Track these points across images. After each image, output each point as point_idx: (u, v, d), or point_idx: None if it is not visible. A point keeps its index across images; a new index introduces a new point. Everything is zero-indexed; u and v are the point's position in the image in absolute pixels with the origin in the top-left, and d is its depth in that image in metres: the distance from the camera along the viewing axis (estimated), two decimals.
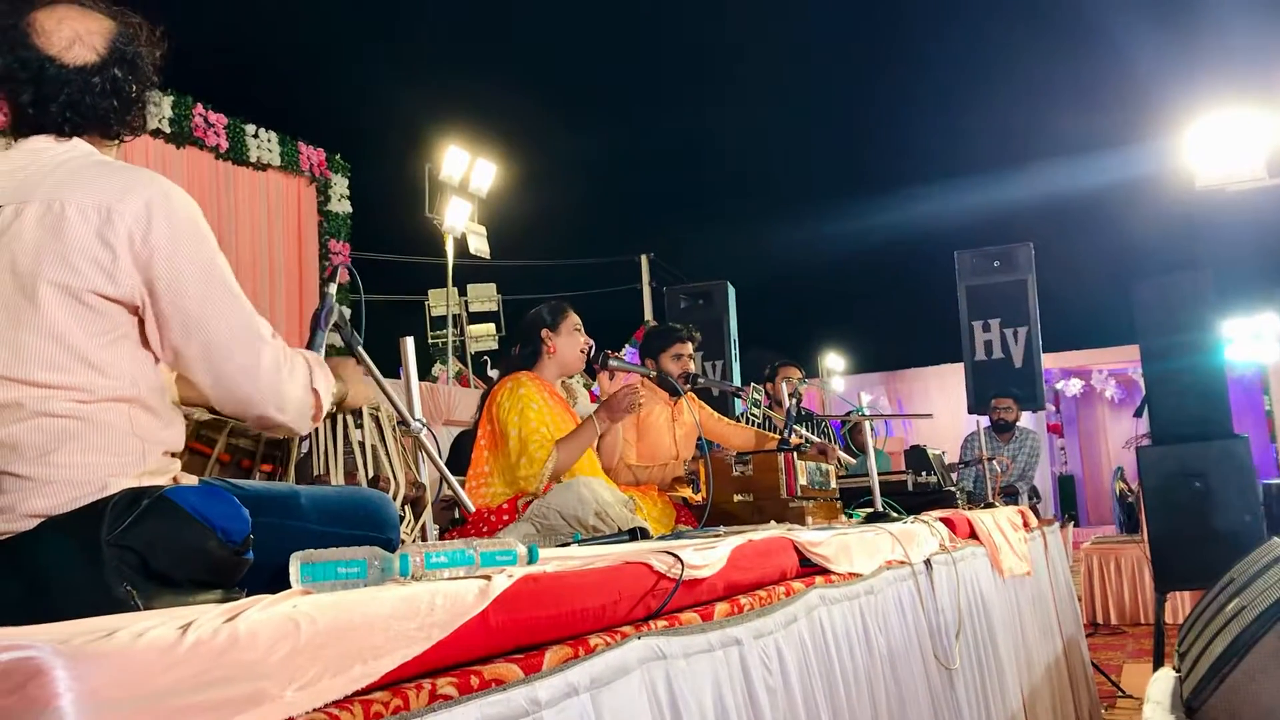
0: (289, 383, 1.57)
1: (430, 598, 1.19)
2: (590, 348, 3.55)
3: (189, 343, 1.46)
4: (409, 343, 2.09)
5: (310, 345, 1.93)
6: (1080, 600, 6.31)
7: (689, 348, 4.33)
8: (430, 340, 16.75)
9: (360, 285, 2.31)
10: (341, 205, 10.14)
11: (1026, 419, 9.36)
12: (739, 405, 6.94)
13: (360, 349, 2.02)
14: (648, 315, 20.13)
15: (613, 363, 3.55)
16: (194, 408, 1.89)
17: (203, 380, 1.49)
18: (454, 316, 14.52)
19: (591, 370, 3.63)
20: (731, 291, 8.34)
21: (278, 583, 1.33)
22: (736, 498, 3.45)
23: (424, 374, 16.34)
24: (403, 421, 2.04)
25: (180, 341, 1.45)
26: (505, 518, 3.08)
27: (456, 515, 3.25)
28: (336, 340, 2.11)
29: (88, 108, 1.50)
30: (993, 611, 3.77)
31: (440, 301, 15.53)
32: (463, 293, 16.29)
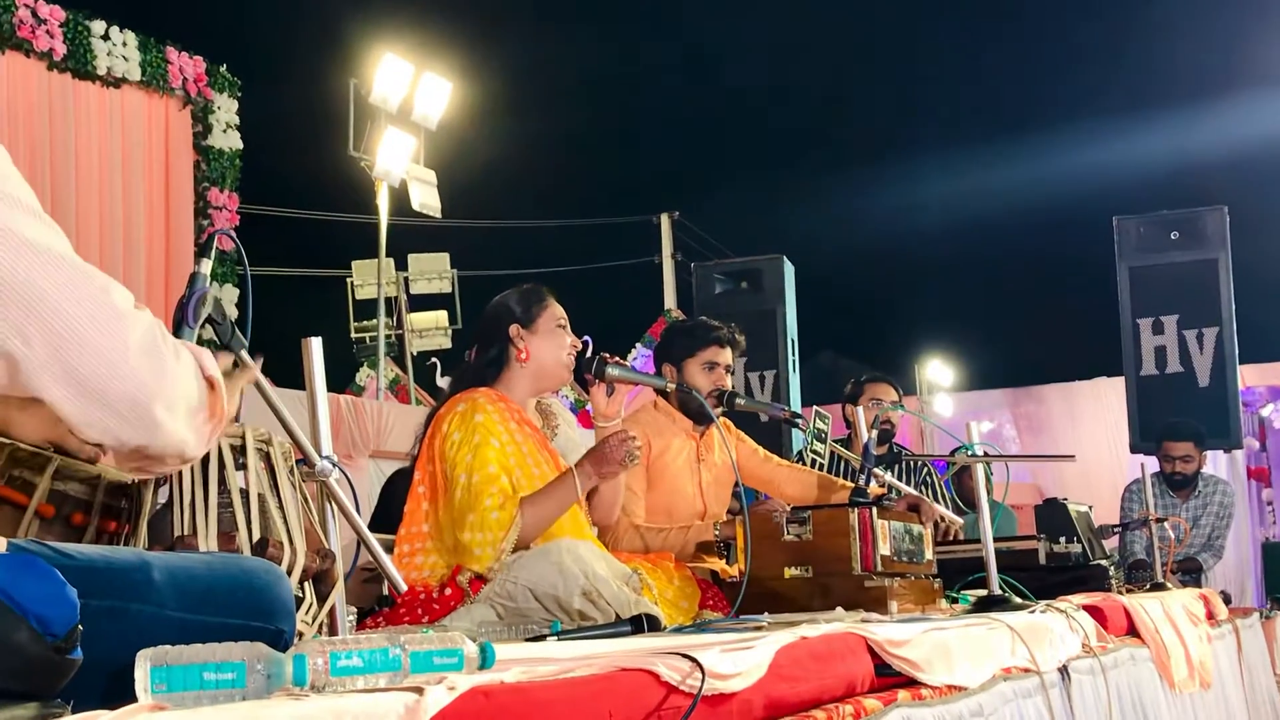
0: (175, 368, 1.57)
1: (335, 719, 1.19)
2: (584, 348, 3.56)
3: (27, 340, 1.44)
4: (315, 345, 2.10)
5: None
6: None
7: (728, 354, 4.33)
8: (354, 334, 16.83)
9: (246, 259, 2.31)
10: (228, 139, 10.18)
11: (1216, 462, 9.32)
12: (798, 438, 6.94)
13: (244, 354, 2.02)
14: (669, 303, 20.16)
15: (611, 370, 3.54)
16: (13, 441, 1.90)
17: (56, 391, 1.48)
18: (389, 300, 14.56)
19: (582, 380, 3.63)
20: (789, 271, 8.34)
21: (118, 692, 1.33)
22: (789, 572, 3.45)
23: (344, 383, 16.41)
24: (304, 459, 2.05)
25: (12, 342, 1.44)
26: (453, 601, 3.09)
27: (384, 593, 3.26)
28: (212, 339, 2.12)
29: None
30: None
31: (369, 278, 15.59)
32: (401, 266, 16.36)
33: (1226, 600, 6.06)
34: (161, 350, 1.56)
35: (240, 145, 10.22)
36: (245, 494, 2.00)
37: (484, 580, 3.13)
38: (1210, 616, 5.15)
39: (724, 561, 4.05)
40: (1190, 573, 6.84)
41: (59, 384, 1.49)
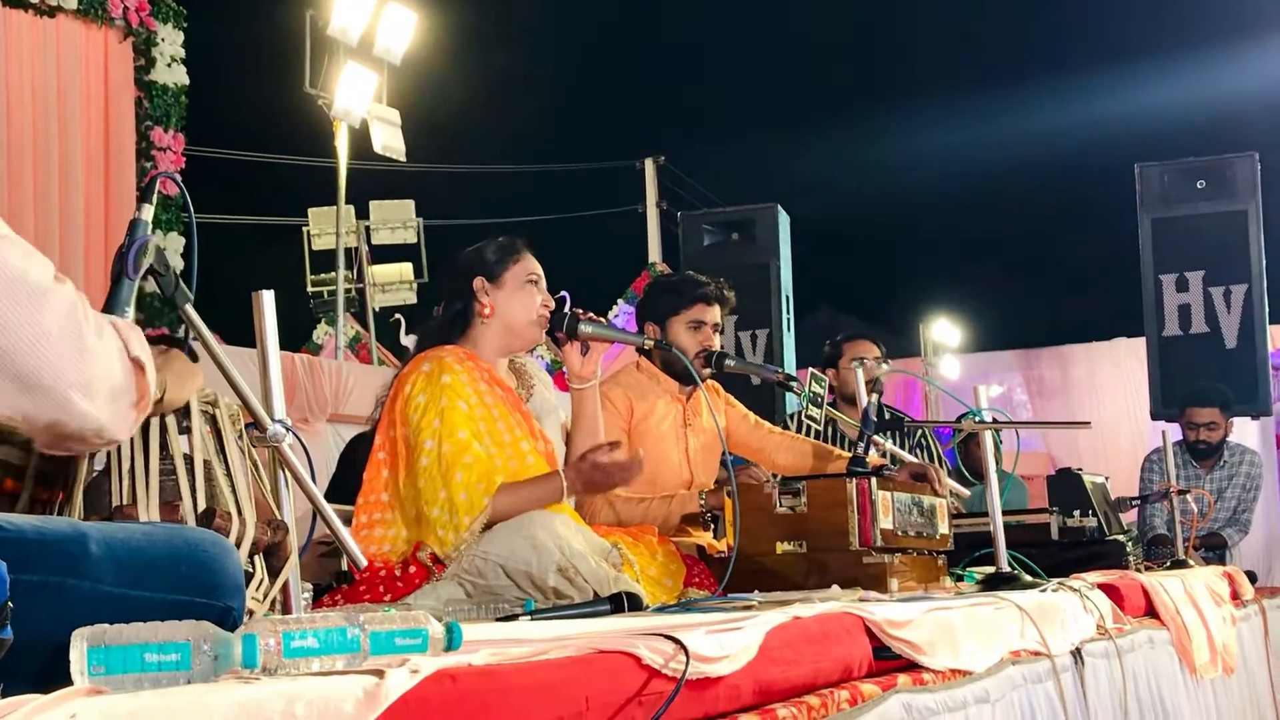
0: (95, 346, 1.57)
1: (287, 705, 1.19)
2: (560, 303, 3.55)
3: None
4: (267, 298, 2.09)
5: (110, 300, 1.93)
6: None
7: (716, 312, 4.33)
8: (311, 288, 16.79)
9: (191, 205, 2.31)
10: (173, 73, 10.11)
11: (1244, 430, 9.34)
12: (793, 402, 6.95)
13: (190, 308, 2.01)
14: (653, 255, 20.17)
15: (584, 327, 3.53)
16: None
17: None
18: (349, 251, 14.52)
19: (557, 338, 3.62)
20: (785, 222, 8.34)
21: (52, 674, 1.33)
22: (781, 547, 3.47)
23: (300, 342, 16.37)
24: (254, 423, 2.04)
25: None
26: (417, 579, 3.09)
27: (343, 568, 3.27)
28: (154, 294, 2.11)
29: None
30: None
31: (327, 227, 15.54)
32: (362, 214, 16.29)
33: (1253, 579, 6.09)
34: (82, 330, 1.56)
35: (186, 81, 10.15)
36: (190, 460, 2.00)
37: (443, 563, 3.13)
38: (1235, 596, 5.18)
39: (711, 535, 4.06)
40: (1214, 549, 6.88)
41: None
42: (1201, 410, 7.18)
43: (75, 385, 1.56)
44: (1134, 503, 6.46)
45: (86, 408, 1.57)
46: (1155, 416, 7.95)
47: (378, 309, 15.96)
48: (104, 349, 1.60)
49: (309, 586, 2.61)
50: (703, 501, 3.99)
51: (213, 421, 2.05)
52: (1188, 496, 5.75)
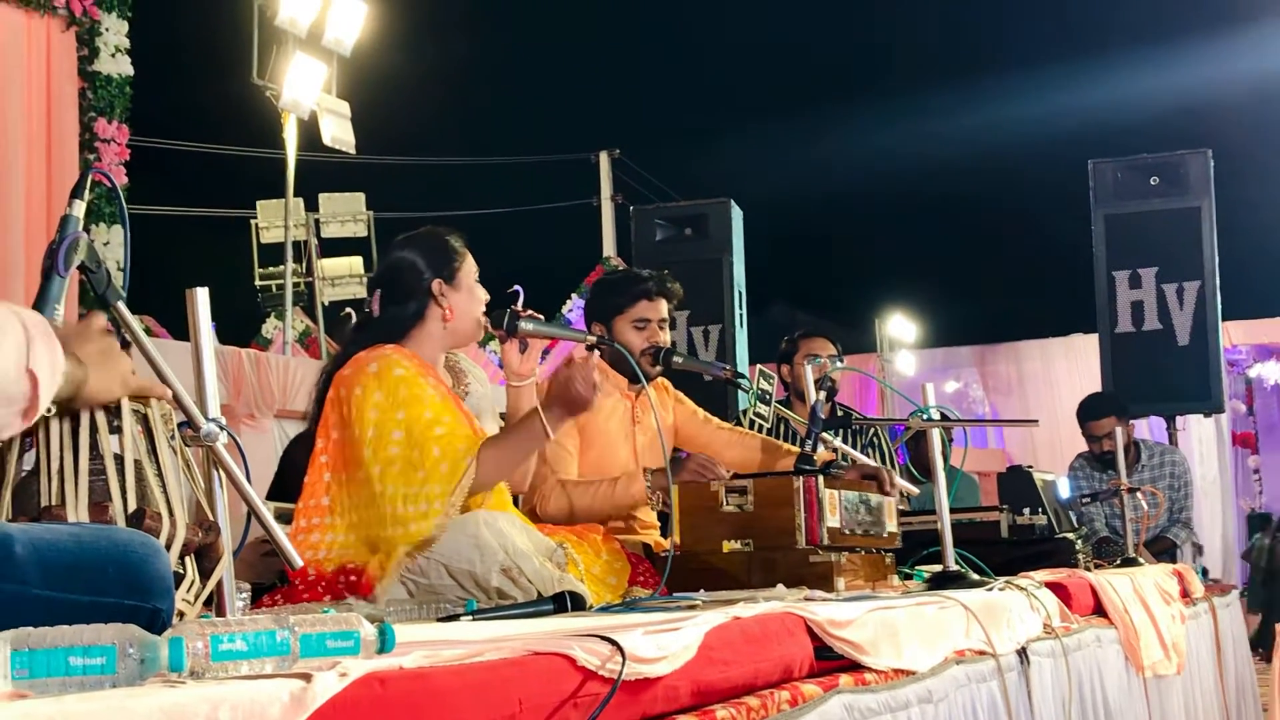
0: None
1: (211, 709, 1.19)
2: (514, 298, 3.53)
3: None
4: (201, 295, 2.08)
5: (40, 297, 1.92)
6: (1269, 711, 6.40)
7: (662, 306, 4.31)
8: (259, 282, 16.68)
9: (123, 199, 2.30)
10: (117, 64, 10.03)
11: (1199, 427, 9.39)
12: (745, 399, 6.97)
13: (122, 306, 2.00)
14: (607, 249, 20.16)
15: (524, 325, 3.49)
16: None
17: None
18: (297, 244, 14.45)
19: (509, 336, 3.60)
20: (738, 216, 8.35)
21: None
22: (728, 545, 3.47)
23: (250, 336, 16.27)
24: (188, 422, 2.03)
25: None
26: (361, 582, 3.07)
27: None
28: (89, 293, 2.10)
29: None
30: None
31: (275, 220, 15.46)
32: (311, 207, 16.21)
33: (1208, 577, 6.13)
34: None
35: (131, 71, 10.07)
36: (120, 460, 1.98)
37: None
38: (1185, 594, 5.23)
39: (658, 533, 4.07)
40: (1164, 552, 6.87)
41: None
42: (1099, 423, 7.04)
43: None
44: (1085, 501, 6.50)
45: None
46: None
47: (327, 303, 15.88)
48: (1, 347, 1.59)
49: (247, 587, 2.61)
50: (648, 481, 3.96)
51: (144, 420, 2.04)
52: (1138, 495, 5.77)
